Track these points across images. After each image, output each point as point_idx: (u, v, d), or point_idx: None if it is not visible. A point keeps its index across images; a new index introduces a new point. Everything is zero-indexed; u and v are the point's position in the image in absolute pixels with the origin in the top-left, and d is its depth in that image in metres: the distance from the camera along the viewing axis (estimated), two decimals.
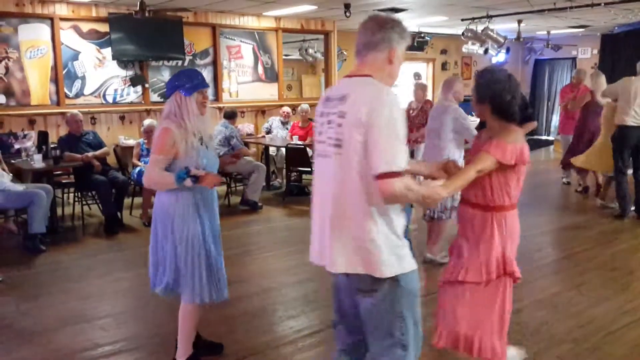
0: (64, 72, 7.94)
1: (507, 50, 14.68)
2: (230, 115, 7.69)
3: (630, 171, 6.77)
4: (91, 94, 8.25)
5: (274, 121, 9.29)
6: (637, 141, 6.50)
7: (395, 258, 2.13)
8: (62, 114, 7.51)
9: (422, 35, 12.61)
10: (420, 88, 8.15)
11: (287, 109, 9.32)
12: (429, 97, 13.89)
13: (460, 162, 4.64)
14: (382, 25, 2.15)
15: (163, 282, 3.09)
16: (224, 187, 7.84)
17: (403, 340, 2.20)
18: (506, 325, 2.78)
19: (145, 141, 6.84)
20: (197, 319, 3.17)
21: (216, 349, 3.44)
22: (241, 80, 9.79)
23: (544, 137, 14.48)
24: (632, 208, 6.71)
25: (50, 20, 7.75)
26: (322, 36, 10.98)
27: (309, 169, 7.74)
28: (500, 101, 2.65)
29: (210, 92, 9.17)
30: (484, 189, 2.66)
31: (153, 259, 3.14)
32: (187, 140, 2.94)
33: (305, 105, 9.04)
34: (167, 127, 2.93)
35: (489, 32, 10.11)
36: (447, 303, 2.82)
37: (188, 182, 2.90)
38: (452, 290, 2.79)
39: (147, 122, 7.04)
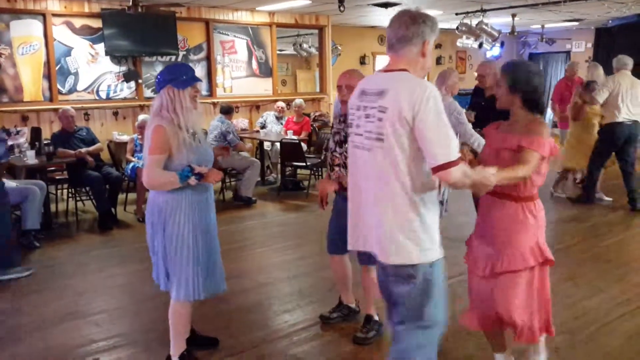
0: (56, 68, 7.90)
1: (502, 44, 14.67)
2: (227, 111, 7.67)
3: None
4: (84, 89, 8.21)
5: (269, 116, 9.28)
6: (627, 137, 6.58)
7: (433, 245, 2.25)
8: (55, 110, 7.46)
9: None
10: None
11: (281, 104, 9.30)
12: None
13: None
14: (415, 20, 2.23)
15: (160, 277, 3.08)
16: (219, 183, 7.82)
17: (429, 322, 2.31)
18: (544, 308, 2.80)
19: (139, 137, 6.81)
20: (187, 315, 3.13)
21: (212, 344, 3.44)
22: (235, 76, 9.77)
23: None
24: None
25: (43, 16, 7.70)
26: (316, 31, 10.96)
27: (304, 164, 7.73)
28: (534, 93, 2.67)
29: (204, 87, 9.21)
30: (520, 183, 2.63)
31: (151, 254, 3.12)
32: (178, 136, 2.90)
33: (299, 100, 9.03)
34: (159, 125, 2.88)
35: (484, 26, 10.10)
36: (482, 294, 2.80)
37: (192, 180, 2.88)
38: (486, 282, 2.76)
39: (142, 117, 7.01)
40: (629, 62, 6.69)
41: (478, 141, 4.40)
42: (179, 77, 2.94)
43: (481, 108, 4.98)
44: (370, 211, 2.29)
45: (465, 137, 4.66)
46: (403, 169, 2.16)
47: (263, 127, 9.19)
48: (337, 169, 3.41)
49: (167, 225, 2.96)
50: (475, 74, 5.07)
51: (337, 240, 3.59)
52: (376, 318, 3.59)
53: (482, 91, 5.07)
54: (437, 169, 2.11)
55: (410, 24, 2.22)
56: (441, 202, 4.73)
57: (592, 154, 6.85)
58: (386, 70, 2.30)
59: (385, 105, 2.16)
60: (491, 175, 2.32)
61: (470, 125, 4.68)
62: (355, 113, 2.33)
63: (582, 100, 6.86)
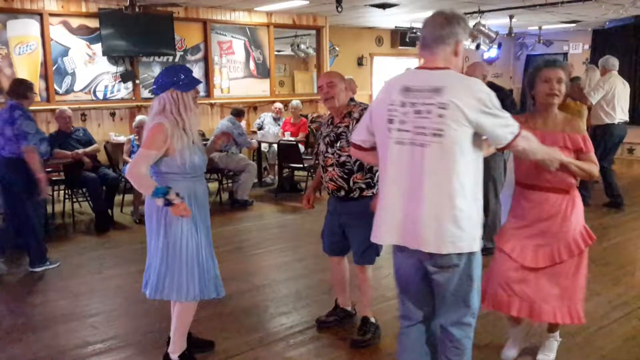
0: (53, 68, 7.88)
1: (499, 45, 14.65)
2: (238, 113, 7.71)
3: None
4: (81, 90, 8.19)
5: (266, 117, 9.26)
6: (619, 138, 6.64)
7: (477, 236, 2.37)
8: (52, 110, 7.45)
9: (414, 30, 12.58)
10: None
11: (279, 105, 9.29)
12: None
13: None
14: (450, 20, 2.35)
15: (151, 283, 3.08)
16: (216, 184, 7.81)
17: (473, 309, 2.48)
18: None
19: (136, 137, 6.80)
20: (192, 315, 3.17)
21: (207, 346, 3.43)
22: (233, 76, 9.75)
23: None
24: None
25: (40, 15, 7.68)
26: (314, 32, 10.95)
27: (301, 165, 7.72)
28: None
29: (201, 88, 9.18)
30: (568, 176, 2.87)
31: (148, 258, 3.13)
32: (183, 138, 2.92)
33: (295, 102, 9.00)
34: (160, 123, 2.89)
35: (481, 27, 10.11)
36: (523, 282, 2.96)
37: (160, 201, 2.84)
38: (529, 272, 2.96)
39: (140, 117, 6.98)
40: (617, 62, 6.75)
41: None
42: (182, 79, 2.95)
43: None
44: (417, 202, 2.33)
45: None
46: (460, 163, 2.27)
47: (260, 128, 9.18)
48: (330, 169, 3.42)
49: (163, 227, 2.97)
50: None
51: (331, 240, 3.63)
52: (372, 320, 3.58)
53: None
54: (506, 147, 2.35)
55: (445, 24, 2.33)
56: None
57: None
58: (427, 68, 2.39)
59: (445, 101, 2.24)
60: (557, 152, 2.64)
61: None
62: (399, 109, 2.37)
63: (566, 95, 6.83)
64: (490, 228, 5.11)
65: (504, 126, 2.30)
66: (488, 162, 4.86)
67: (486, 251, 5.22)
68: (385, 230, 2.47)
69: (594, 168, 2.86)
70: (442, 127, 2.24)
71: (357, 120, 3.32)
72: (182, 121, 2.93)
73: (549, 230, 2.93)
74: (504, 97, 4.81)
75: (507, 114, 2.31)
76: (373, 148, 2.55)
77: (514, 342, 3.29)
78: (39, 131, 4.98)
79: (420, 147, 2.30)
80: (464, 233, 2.30)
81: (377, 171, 3.17)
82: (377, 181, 3.24)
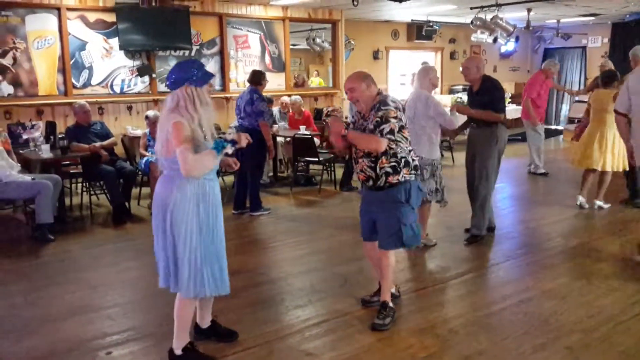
0: (71, 62, 7.94)
1: (517, 39, 14.54)
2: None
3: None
4: (98, 84, 8.25)
5: (275, 112, 9.20)
6: None
7: None
8: (70, 104, 7.51)
9: (431, 24, 12.52)
10: None
11: (286, 100, 9.19)
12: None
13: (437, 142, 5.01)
14: None
15: (163, 275, 3.12)
16: (231, 177, 7.82)
17: None
18: None
19: (151, 131, 6.83)
20: (192, 311, 3.18)
21: (230, 336, 3.46)
22: (248, 70, 9.71)
23: (553, 127, 14.37)
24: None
25: (57, 10, 7.75)
26: (329, 25, 10.92)
27: (316, 159, 7.70)
28: None
29: (217, 82, 9.22)
30: None
31: (155, 252, 3.17)
32: (196, 133, 2.93)
33: (294, 97, 8.89)
34: (178, 121, 2.88)
35: (498, 20, 10.02)
36: None
37: (229, 148, 2.97)
38: None
39: (152, 113, 6.99)
40: None
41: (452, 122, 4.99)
42: (195, 74, 2.97)
43: (471, 104, 5.25)
44: None
45: (448, 124, 4.94)
46: None
47: (274, 122, 9.12)
48: (360, 160, 3.59)
49: (170, 220, 2.98)
50: (461, 68, 5.32)
51: (364, 227, 3.79)
52: (391, 305, 3.71)
53: (471, 89, 5.19)
54: None
55: None
56: (437, 190, 4.95)
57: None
58: None
59: None
60: None
61: (448, 114, 4.98)
62: None
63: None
64: (478, 216, 5.18)
65: None
66: (482, 153, 5.07)
67: (474, 239, 5.34)
68: None
69: None
70: None
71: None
72: (197, 116, 2.94)
73: None
74: (492, 89, 5.07)
75: None
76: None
77: None
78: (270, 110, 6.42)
79: None
80: None
81: (401, 157, 3.47)
82: (403, 166, 3.49)
